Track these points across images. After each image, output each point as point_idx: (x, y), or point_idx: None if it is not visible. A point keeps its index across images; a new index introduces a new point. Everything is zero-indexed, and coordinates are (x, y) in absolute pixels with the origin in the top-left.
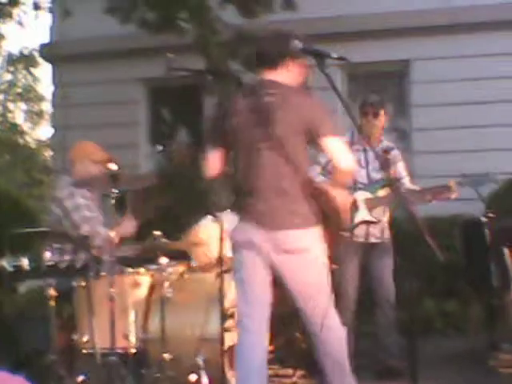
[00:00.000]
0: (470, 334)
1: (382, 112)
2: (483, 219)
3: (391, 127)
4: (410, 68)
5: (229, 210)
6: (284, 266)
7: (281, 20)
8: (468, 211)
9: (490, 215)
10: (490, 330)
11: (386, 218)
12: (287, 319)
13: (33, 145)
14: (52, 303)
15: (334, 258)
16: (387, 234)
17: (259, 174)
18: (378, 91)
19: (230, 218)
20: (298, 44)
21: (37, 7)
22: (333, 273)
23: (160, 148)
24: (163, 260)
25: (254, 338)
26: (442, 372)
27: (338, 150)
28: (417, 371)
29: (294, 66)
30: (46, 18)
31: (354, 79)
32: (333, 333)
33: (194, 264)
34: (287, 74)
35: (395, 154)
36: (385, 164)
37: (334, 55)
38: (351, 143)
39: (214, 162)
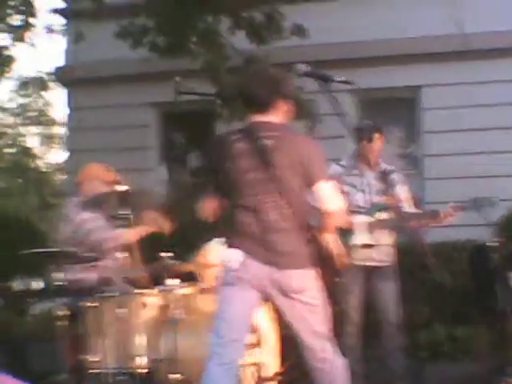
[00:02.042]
0: (478, 359)
1: (376, 136)
2: (491, 244)
3: (403, 153)
4: (422, 94)
5: None
6: (283, 306)
7: (291, 46)
8: (480, 237)
9: (499, 240)
10: (498, 355)
11: (388, 242)
12: (296, 340)
13: (44, 168)
14: (62, 323)
15: (332, 298)
16: (389, 257)
17: (262, 217)
18: (390, 117)
19: None
20: (301, 67)
21: (50, 30)
22: (332, 311)
23: None
24: (172, 281)
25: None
26: None
27: (328, 194)
28: None
29: (283, 105)
30: (61, 42)
31: (365, 105)
32: (334, 368)
33: (203, 285)
34: (277, 114)
35: (395, 177)
36: (384, 187)
37: (338, 78)
38: (351, 167)
39: (211, 208)
